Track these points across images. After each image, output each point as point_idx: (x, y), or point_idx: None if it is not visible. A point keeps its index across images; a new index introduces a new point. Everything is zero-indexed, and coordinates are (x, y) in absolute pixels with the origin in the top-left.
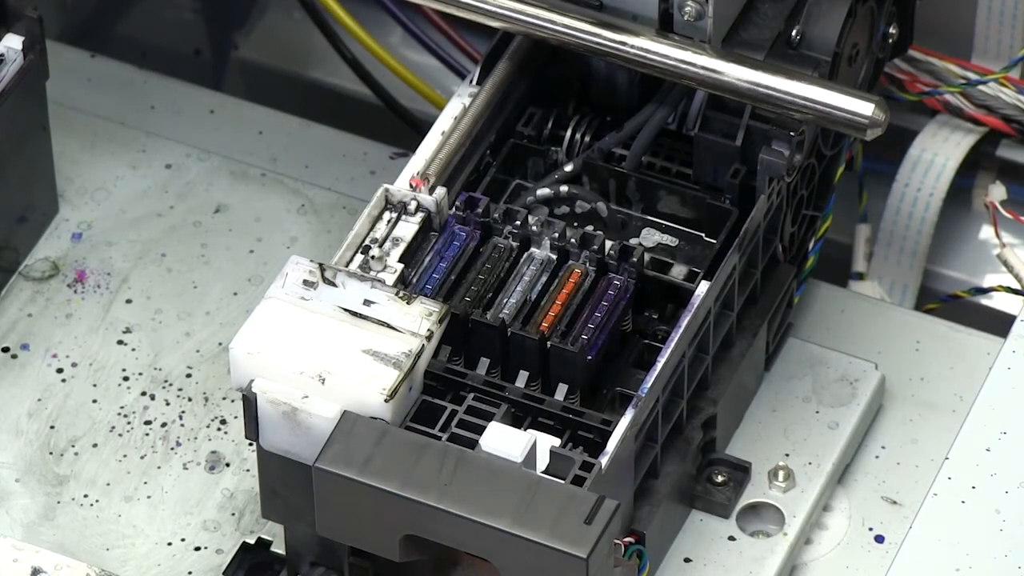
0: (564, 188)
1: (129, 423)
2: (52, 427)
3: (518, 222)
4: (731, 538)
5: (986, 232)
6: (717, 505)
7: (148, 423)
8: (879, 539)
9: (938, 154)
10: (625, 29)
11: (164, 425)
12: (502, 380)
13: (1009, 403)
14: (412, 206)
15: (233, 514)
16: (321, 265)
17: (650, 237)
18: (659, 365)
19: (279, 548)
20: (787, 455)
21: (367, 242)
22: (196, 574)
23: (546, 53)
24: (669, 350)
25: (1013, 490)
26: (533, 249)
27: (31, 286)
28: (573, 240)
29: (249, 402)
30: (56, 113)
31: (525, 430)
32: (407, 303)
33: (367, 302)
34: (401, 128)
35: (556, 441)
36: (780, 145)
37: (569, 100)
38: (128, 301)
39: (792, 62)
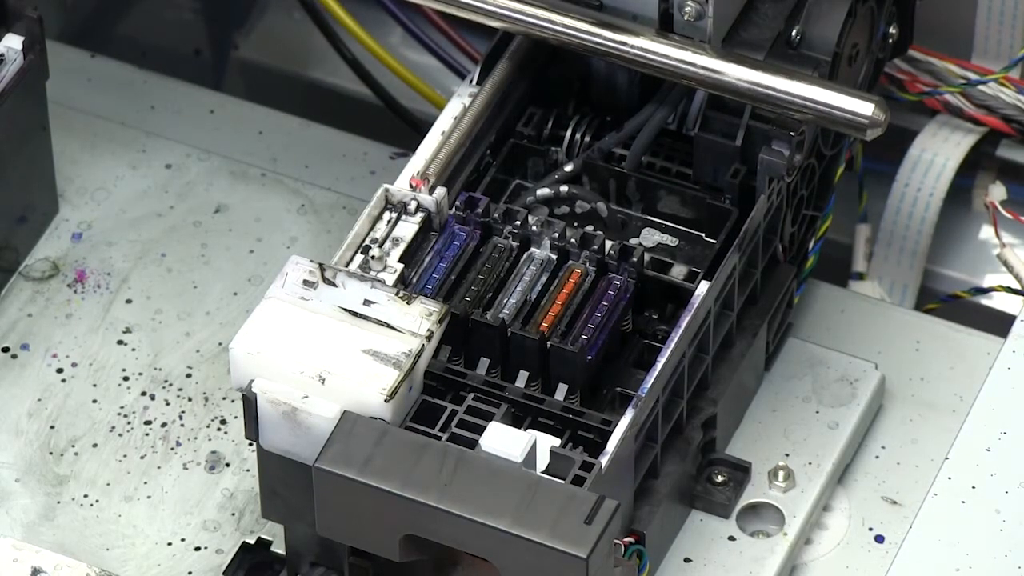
0: (564, 188)
1: (129, 423)
2: (52, 427)
3: (518, 222)
4: (731, 538)
5: (986, 232)
6: (717, 505)
7: (148, 423)
8: (879, 539)
9: (938, 154)
10: (625, 29)
11: (164, 425)
12: (502, 380)
13: (1009, 403)
14: (412, 206)
15: (233, 514)
16: (321, 265)
17: (650, 237)
18: (659, 365)
19: (279, 548)
20: (787, 455)
21: (367, 242)
22: (196, 574)
23: (546, 53)
24: (669, 350)
25: (1013, 490)
26: (533, 249)
27: (31, 286)
28: (573, 240)
29: (249, 402)
30: (56, 113)
31: (525, 430)
32: (407, 303)
33: (367, 302)
34: (401, 128)
35: (556, 441)
36: (780, 145)
37: (569, 100)
38: (128, 301)
39: (792, 62)
